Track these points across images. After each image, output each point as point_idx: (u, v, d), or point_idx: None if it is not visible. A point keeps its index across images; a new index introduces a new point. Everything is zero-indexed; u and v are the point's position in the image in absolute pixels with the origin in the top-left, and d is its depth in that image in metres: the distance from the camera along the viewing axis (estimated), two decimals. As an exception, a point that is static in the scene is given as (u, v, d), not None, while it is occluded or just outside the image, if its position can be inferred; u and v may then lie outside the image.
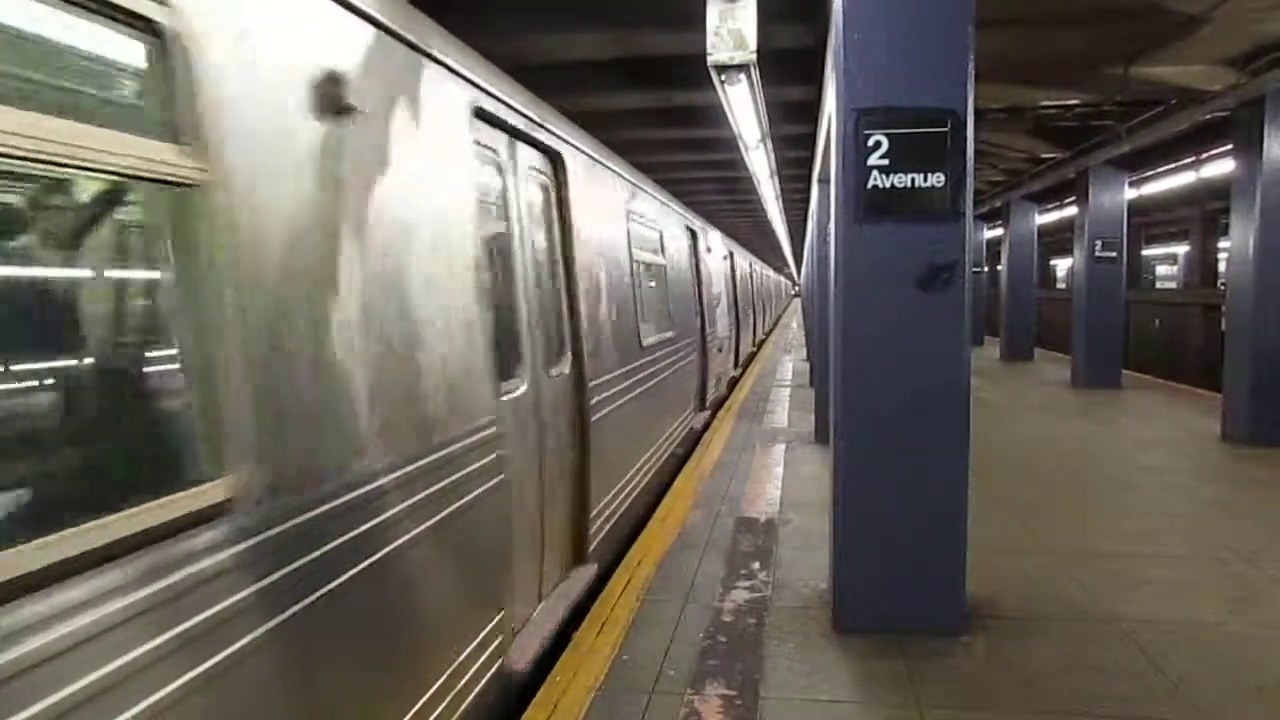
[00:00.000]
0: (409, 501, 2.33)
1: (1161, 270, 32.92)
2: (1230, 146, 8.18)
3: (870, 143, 3.35)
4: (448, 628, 2.61)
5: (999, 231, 17.43)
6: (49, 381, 1.56)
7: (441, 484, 2.52)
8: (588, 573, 4.16)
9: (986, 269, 20.63)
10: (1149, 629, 3.55)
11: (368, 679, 2.14)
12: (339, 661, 2.02)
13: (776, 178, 10.45)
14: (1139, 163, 11.17)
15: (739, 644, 3.48)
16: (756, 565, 4.44)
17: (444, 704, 2.51)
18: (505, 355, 3.25)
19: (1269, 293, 7.19)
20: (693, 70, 5.44)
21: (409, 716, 2.31)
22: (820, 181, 7.69)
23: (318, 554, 1.91)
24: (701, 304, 9.72)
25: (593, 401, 4.32)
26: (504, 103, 3.34)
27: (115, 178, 1.50)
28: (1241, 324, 7.49)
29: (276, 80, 1.90)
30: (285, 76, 1.93)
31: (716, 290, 11.33)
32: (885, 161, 3.35)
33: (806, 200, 13.47)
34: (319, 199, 2.02)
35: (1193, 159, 10.90)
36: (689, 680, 3.18)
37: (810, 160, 9.66)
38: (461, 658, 2.65)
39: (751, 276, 19.67)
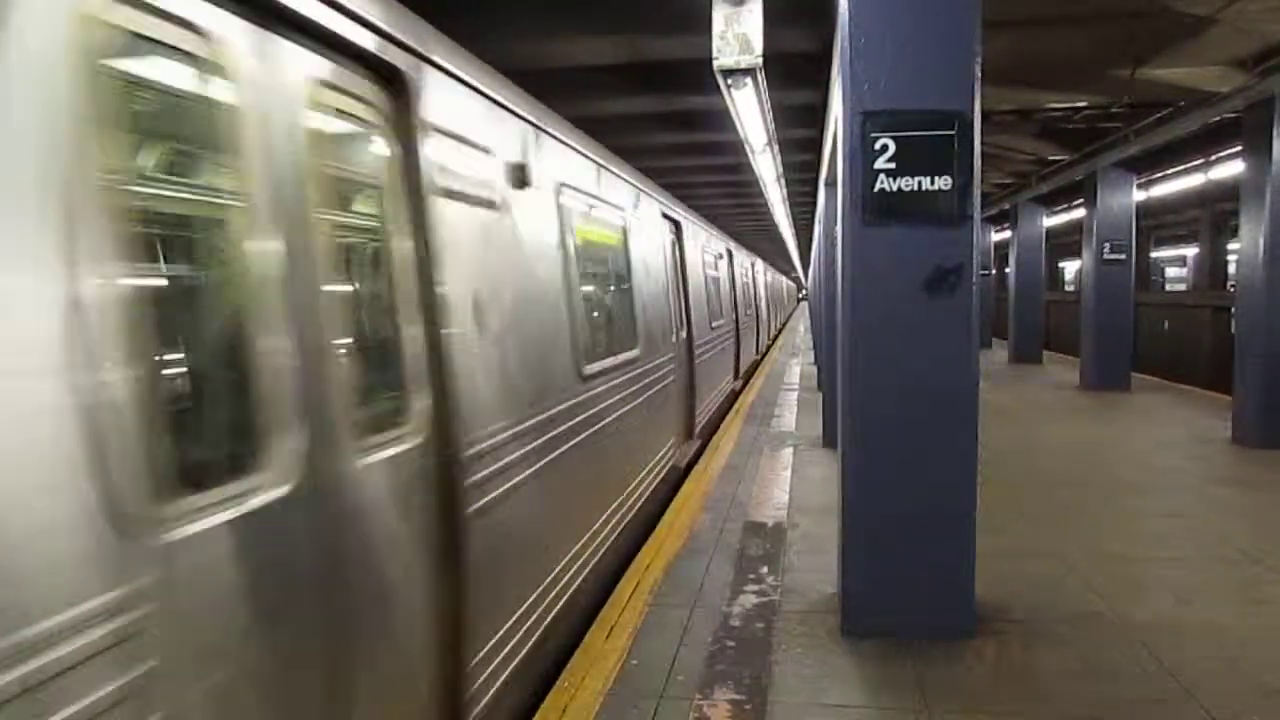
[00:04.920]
0: None
1: (1172, 272, 32.77)
2: (1240, 148, 8.14)
3: (877, 146, 3.35)
4: None
5: (1007, 234, 17.39)
6: None
7: None
8: None
9: (994, 272, 20.57)
10: (1160, 632, 3.53)
11: None
12: None
13: (783, 181, 10.45)
14: (1147, 164, 11.14)
15: (747, 648, 3.48)
16: (765, 569, 4.43)
17: None
18: (215, 439, 1.87)
19: (1280, 294, 7.15)
20: (698, 75, 5.44)
21: None
22: (827, 185, 7.68)
23: None
24: (687, 311, 8.16)
25: (473, 479, 2.72)
26: None
27: None
28: (1252, 326, 7.45)
29: None
30: None
31: (708, 294, 9.94)
32: (892, 165, 3.34)
33: (813, 203, 13.45)
34: None
35: (1202, 160, 10.86)
36: (698, 684, 3.17)
37: (817, 164, 9.65)
38: None
39: (755, 277, 19.25)
